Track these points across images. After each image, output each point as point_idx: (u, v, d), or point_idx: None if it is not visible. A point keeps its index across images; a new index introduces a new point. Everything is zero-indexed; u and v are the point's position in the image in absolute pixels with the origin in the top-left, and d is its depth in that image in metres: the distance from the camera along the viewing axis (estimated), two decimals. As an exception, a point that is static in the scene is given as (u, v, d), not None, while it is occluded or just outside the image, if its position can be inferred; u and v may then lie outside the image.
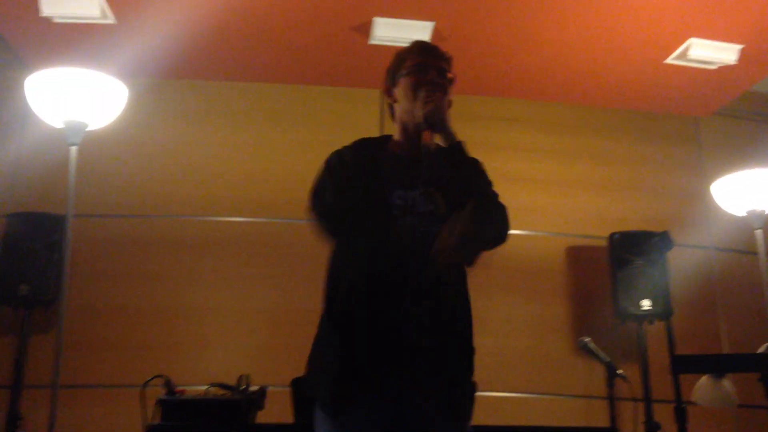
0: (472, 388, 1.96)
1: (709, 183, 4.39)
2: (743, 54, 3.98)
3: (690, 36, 3.89)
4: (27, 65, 4.19)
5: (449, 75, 2.02)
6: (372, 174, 1.93)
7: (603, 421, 3.81)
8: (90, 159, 3.85)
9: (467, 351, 1.94)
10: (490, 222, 1.93)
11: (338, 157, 1.98)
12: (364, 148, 2.03)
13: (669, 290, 3.86)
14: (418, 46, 2.07)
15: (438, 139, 1.90)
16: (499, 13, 3.76)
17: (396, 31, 3.86)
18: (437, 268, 1.80)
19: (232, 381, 3.00)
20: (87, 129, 3.43)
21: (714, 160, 4.70)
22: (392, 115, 2.10)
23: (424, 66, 1.99)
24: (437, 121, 1.87)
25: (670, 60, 4.10)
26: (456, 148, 1.88)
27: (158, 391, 2.87)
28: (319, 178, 1.98)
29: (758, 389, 3.09)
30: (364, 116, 4.37)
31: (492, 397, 4.00)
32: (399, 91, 2.02)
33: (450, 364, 1.86)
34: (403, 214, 1.87)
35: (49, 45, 4.02)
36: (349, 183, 1.90)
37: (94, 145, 3.78)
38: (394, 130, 2.10)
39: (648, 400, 3.78)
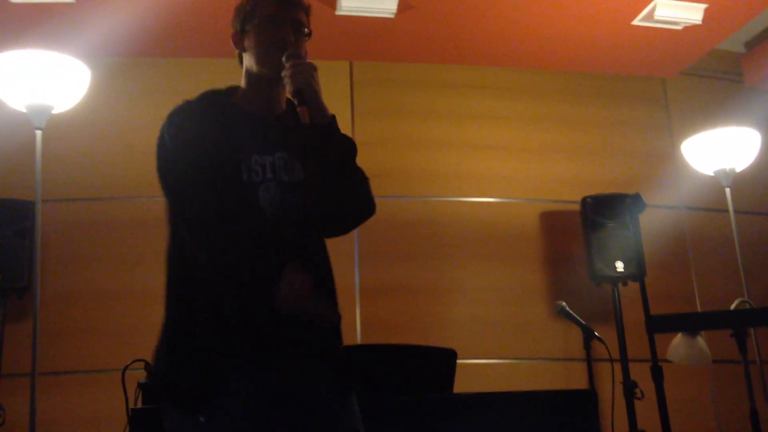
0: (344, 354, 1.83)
1: (678, 143, 4.44)
2: (707, 13, 4.00)
3: (655, -3, 3.91)
4: (-15, 48, 4.08)
5: (306, 30, 1.84)
6: (228, 142, 1.72)
7: (582, 383, 3.89)
8: (55, 142, 3.78)
9: (336, 319, 1.78)
10: (355, 197, 1.79)
11: (188, 128, 1.75)
12: (212, 105, 1.81)
13: (642, 251, 3.89)
14: None
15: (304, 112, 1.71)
16: (465, -20, 3.74)
17: (363, 1, 3.82)
18: (301, 244, 1.73)
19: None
20: (52, 112, 3.36)
21: (682, 120, 4.75)
22: (240, 63, 1.89)
23: (278, 18, 1.79)
24: (309, 96, 1.70)
25: (637, 21, 4.11)
26: (330, 126, 1.74)
27: (139, 375, 2.86)
28: (170, 158, 1.78)
29: (731, 345, 3.17)
30: (335, 88, 4.33)
31: (471, 364, 4.04)
32: (248, 42, 1.82)
33: (323, 333, 1.74)
34: (261, 181, 1.72)
35: (8, 27, 3.91)
36: (207, 173, 1.67)
37: (59, 127, 3.70)
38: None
39: (624, 360, 3.85)
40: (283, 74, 1.74)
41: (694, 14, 4.00)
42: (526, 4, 3.96)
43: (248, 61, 1.84)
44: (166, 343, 1.76)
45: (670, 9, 3.96)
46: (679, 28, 4.13)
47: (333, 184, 1.75)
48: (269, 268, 1.61)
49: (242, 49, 1.86)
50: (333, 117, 1.76)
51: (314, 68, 1.75)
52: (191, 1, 3.80)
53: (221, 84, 4.52)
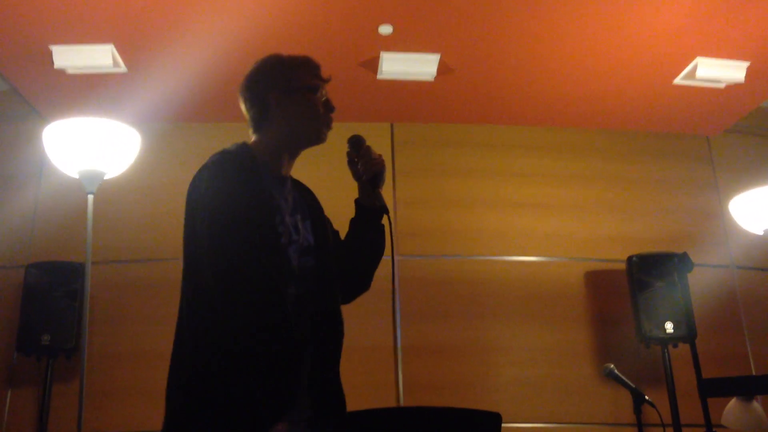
0: None
1: (724, 201, 4.37)
2: (750, 71, 3.98)
3: (696, 55, 3.90)
4: (42, 116, 4.27)
5: (332, 105, 1.97)
6: (264, 201, 1.74)
7: (632, 449, 3.75)
8: (105, 205, 3.90)
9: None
10: (369, 272, 1.99)
11: (225, 183, 1.74)
12: (242, 164, 1.79)
13: (692, 312, 3.80)
14: (314, 64, 1.98)
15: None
16: (504, 43, 3.80)
17: (404, 65, 3.90)
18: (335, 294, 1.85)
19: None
20: (104, 178, 3.46)
21: (728, 178, 4.68)
22: (259, 118, 1.93)
23: (316, 90, 1.93)
24: (381, 183, 1.97)
25: (679, 80, 4.11)
26: (385, 210, 1.96)
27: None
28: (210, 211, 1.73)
29: (789, 410, 3.05)
30: (376, 149, 4.36)
31: (517, 428, 3.95)
32: (285, 109, 1.89)
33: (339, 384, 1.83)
34: (289, 243, 1.78)
35: (63, 96, 4.09)
36: (249, 230, 1.66)
37: (109, 191, 3.82)
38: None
39: (677, 425, 3.71)
40: (358, 157, 1.96)
41: (737, 72, 3.98)
42: (567, 66, 4.00)
43: (288, 121, 1.90)
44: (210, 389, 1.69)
45: (712, 67, 3.95)
46: (722, 86, 4.11)
47: (368, 256, 1.96)
48: (299, 327, 1.67)
49: (282, 110, 1.90)
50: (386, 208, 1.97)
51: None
52: (236, 68, 3.91)
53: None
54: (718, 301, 4.30)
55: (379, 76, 4.02)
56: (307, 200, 1.95)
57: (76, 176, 3.41)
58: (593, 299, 4.37)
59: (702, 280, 4.15)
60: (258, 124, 1.94)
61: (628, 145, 4.78)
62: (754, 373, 4.25)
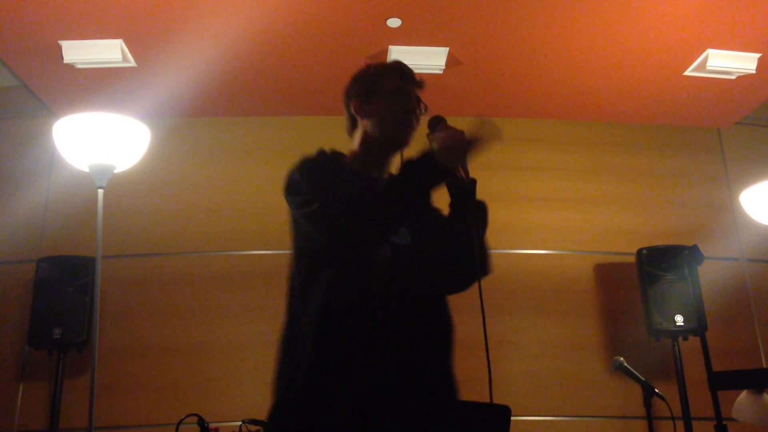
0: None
1: (735, 193, 4.34)
2: (762, 62, 3.95)
3: (707, 47, 3.88)
4: (52, 112, 4.29)
5: (423, 105, 2.00)
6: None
7: (642, 442, 3.75)
8: (115, 200, 3.91)
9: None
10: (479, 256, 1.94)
11: (320, 174, 1.85)
12: (332, 161, 1.95)
13: (702, 304, 3.77)
14: (399, 68, 2.02)
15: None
16: (513, 36, 3.78)
17: (412, 58, 3.89)
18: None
19: (263, 416, 2.99)
20: (113, 172, 3.47)
21: (739, 171, 4.65)
22: (351, 127, 2.03)
23: (404, 91, 1.97)
24: (465, 159, 1.89)
25: (689, 72, 4.08)
26: (475, 185, 1.92)
27: (192, 429, 2.88)
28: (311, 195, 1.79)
29: (801, 403, 3.03)
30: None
31: (527, 421, 3.95)
32: (374, 109, 1.96)
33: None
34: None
35: (73, 91, 4.11)
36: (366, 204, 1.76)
37: (119, 186, 3.83)
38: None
39: (687, 418, 3.70)
40: (436, 134, 1.88)
41: (748, 63, 3.95)
42: (576, 58, 3.98)
43: (370, 126, 1.97)
44: (312, 378, 1.74)
45: (722, 59, 3.92)
46: (733, 77, 4.08)
47: (470, 239, 1.90)
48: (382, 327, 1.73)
49: (364, 116, 1.98)
50: (475, 180, 1.94)
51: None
52: (244, 63, 3.93)
53: (275, 141, 4.58)
54: (728, 293, 4.27)
55: (388, 70, 4.01)
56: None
57: (86, 170, 3.42)
58: (603, 292, 4.36)
59: (712, 273, 4.12)
60: (349, 133, 2.05)
61: (639, 137, 4.75)
62: (764, 365, 4.23)
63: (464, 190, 1.92)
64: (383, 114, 1.95)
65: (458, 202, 1.95)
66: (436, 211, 2.02)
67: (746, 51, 3.90)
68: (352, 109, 2.00)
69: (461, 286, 2.03)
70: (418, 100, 1.99)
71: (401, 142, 1.96)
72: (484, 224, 2.00)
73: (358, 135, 2.00)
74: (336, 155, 1.98)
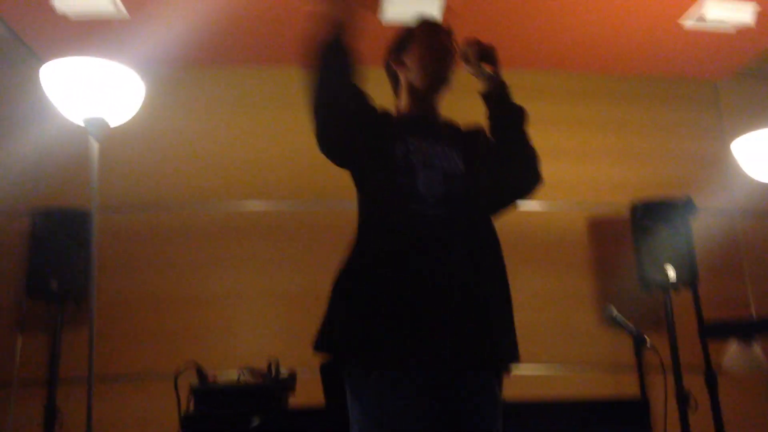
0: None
1: (729, 146, 4.34)
2: (759, 14, 3.91)
3: (703, -6, 3.84)
4: (42, 60, 4.21)
5: (454, 51, 2.09)
6: (388, 126, 2.00)
7: (632, 392, 3.82)
8: (110, 151, 3.88)
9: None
10: (526, 162, 2.10)
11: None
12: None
13: (694, 256, 3.82)
14: (424, 21, 2.14)
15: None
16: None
17: (407, 8, 3.84)
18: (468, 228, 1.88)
19: (260, 364, 3.04)
20: (109, 126, 3.40)
21: (734, 123, 4.64)
22: (395, 86, 2.15)
23: (435, 32, 2.08)
24: (490, 54, 2.04)
25: (684, 20, 4.04)
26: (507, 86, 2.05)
27: (191, 376, 2.92)
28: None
29: (789, 353, 3.09)
30: (381, 94, 4.34)
31: (520, 368, 4.01)
32: (410, 57, 2.07)
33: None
34: (423, 165, 1.89)
35: (64, 40, 4.04)
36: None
37: (113, 137, 3.80)
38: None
39: (677, 368, 3.77)
40: (466, 49, 2.04)
41: (745, 15, 3.92)
42: (572, 7, 3.93)
43: (411, 74, 2.08)
44: (356, 304, 1.83)
45: (719, 9, 3.89)
46: (729, 29, 4.05)
47: (510, 142, 2.06)
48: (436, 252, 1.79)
49: (402, 67, 2.10)
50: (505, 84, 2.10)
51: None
52: (241, 10, 3.86)
53: (273, 92, 4.54)
54: (720, 245, 4.31)
55: (383, 20, 3.96)
56: (454, 133, 2.08)
57: (81, 124, 3.34)
58: (596, 245, 4.39)
59: (705, 225, 4.15)
60: (396, 95, 2.16)
61: (633, 89, 4.72)
62: (754, 316, 4.30)
63: (501, 97, 2.10)
64: (420, 55, 2.05)
65: (496, 110, 2.10)
66: (487, 139, 2.10)
67: (742, 1, 3.86)
68: (393, 66, 2.12)
69: (520, 193, 2.17)
70: (450, 37, 2.07)
71: (443, 78, 2.03)
72: (524, 126, 2.12)
73: (403, 91, 2.10)
74: (385, 111, 2.07)
